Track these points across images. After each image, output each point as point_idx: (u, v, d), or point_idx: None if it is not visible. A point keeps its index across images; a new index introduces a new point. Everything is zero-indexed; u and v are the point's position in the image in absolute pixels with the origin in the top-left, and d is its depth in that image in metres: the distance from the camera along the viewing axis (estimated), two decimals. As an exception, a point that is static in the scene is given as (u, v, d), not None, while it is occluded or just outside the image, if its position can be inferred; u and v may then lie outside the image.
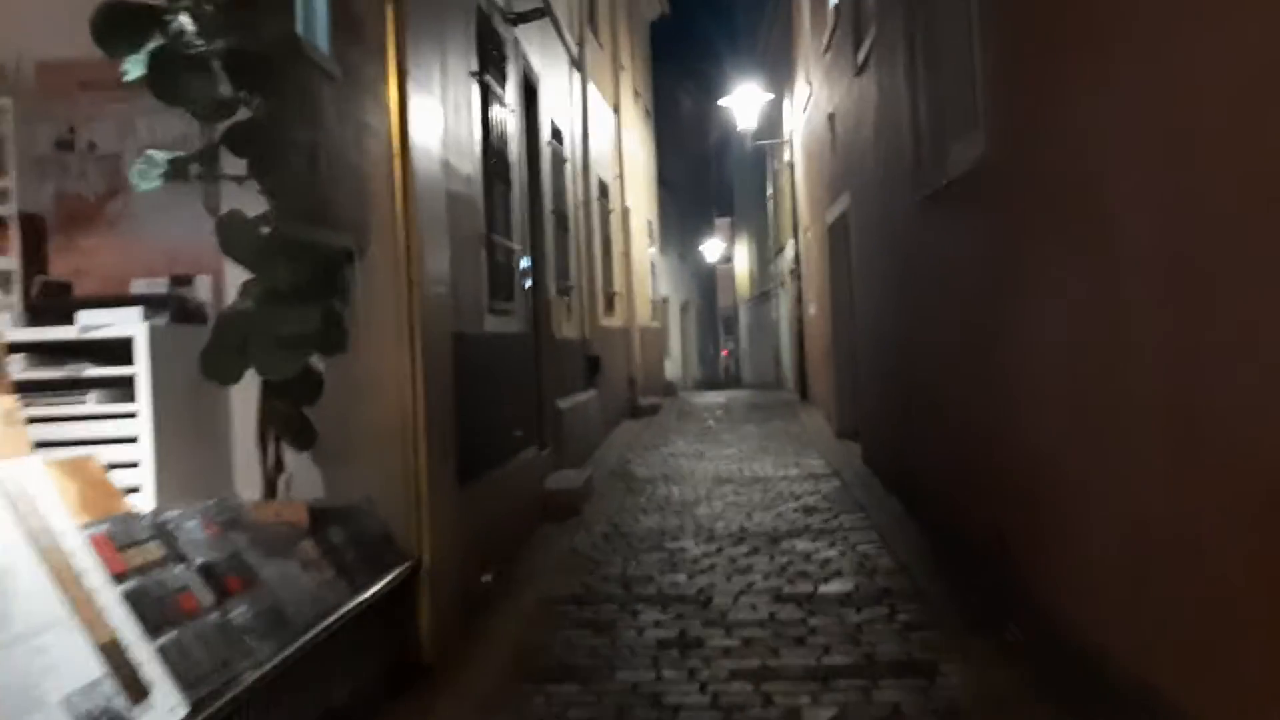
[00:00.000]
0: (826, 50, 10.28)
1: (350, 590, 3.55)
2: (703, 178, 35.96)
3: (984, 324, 4.66)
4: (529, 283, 7.40)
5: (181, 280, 4.05)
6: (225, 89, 3.38)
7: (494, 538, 5.50)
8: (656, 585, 5.29)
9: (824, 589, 5.10)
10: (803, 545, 6.01)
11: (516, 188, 7.09)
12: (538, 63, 8.22)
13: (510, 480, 6.14)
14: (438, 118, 4.72)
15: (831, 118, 9.82)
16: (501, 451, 6.08)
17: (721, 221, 36.77)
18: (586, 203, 10.78)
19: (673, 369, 28.50)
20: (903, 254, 6.51)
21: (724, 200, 36.05)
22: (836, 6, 9.41)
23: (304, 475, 4.01)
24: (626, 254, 13.81)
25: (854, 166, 8.65)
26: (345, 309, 3.72)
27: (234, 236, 3.50)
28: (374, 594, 3.65)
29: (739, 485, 8.25)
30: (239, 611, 2.84)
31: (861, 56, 7.89)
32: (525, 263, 7.31)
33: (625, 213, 13.90)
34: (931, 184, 5.48)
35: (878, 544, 5.91)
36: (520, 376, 7.01)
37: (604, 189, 12.50)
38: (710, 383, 32.31)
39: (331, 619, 3.28)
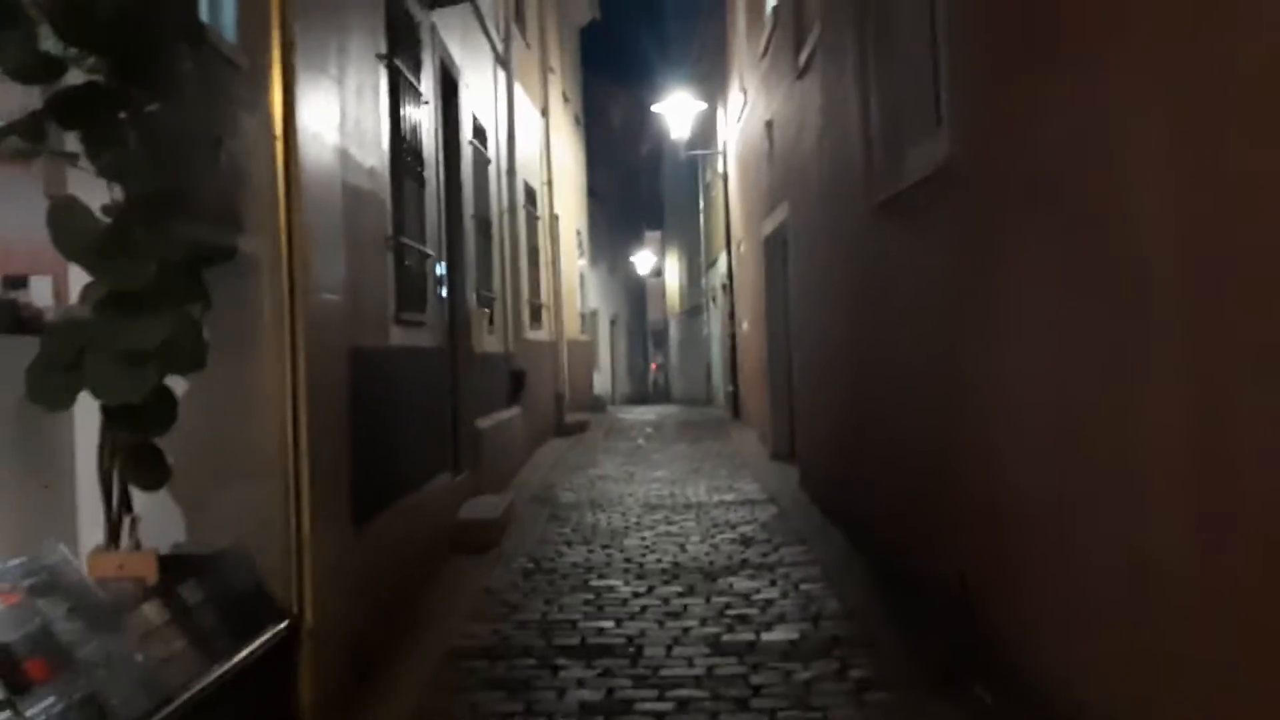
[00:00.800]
0: (764, 54, 9.85)
1: (206, 662, 2.92)
2: (633, 190, 35.53)
3: (949, 343, 4.19)
4: (445, 292, 6.79)
5: (14, 282, 3.38)
6: (53, 45, 2.74)
7: (397, 579, 4.87)
8: (580, 633, 4.71)
9: (766, 637, 4.58)
10: (741, 584, 5.49)
11: (432, 188, 6.48)
12: (459, 54, 7.62)
13: (418, 512, 5.51)
14: (333, 100, 4.11)
15: (769, 125, 9.39)
16: (408, 480, 5.46)
17: (652, 235, 36.38)
18: (512, 209, 10.19)
19: (602, 383, 27.93)
20: (852, 266, 6.06)
21: (655, 213, 35.67)
22: (775, 8, 8.98)
23: (159, 518, 3.37)
24: (554, 264, 13.23)
25: (794, 175, 8.21)
26: (205, 318, 3.09)
27: (66, 228, 2.85)
28: (236, 664, 3.02)
29: (671, 512, 7.71)
30: (40, 709, 2.20)
31: (803, 59, 7.46)
32: (441, 270, 6.70)
33: (553, 221, 13.33)
34: (886, 190, 5.02)
35: (823, 583, 5.41)
36: (433, 394, 6.39)
37: (531, 195, 11.92)
38: (639, 397, 31.84)
39: (177, 703, 2.64)
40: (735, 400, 14.87)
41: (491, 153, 9.27)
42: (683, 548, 6.43)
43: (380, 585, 4.48)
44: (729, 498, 8.24)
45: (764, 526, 6.97)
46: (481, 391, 8.20)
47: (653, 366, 38.35)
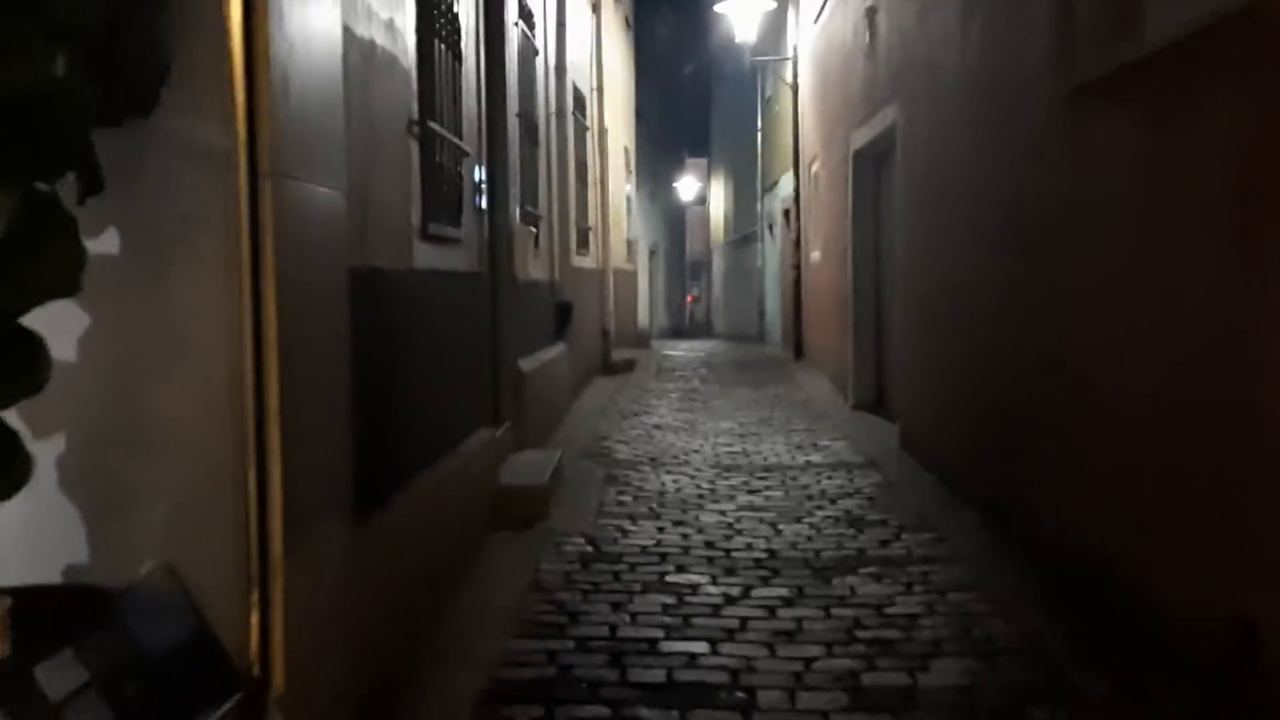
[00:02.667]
0: (863, -67, 8.29)
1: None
2: (675, 114, 33.72)
3: (1226, 305, 2.81)
4: (484, 204, 5.44)
5: None
6: None
7: (416, 584, 3.62)
8: (665, 664, 3.46)
9: (925, 680, 3.31)
10: (866, 588, 4.20)
11: (470, 67, 5.10)
12: (504, -91, 6.17)
13: (448, 485, 4.25)
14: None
15: (872, 11, 7.86)
16: (436, 443, 4.19)
17: (695, 162, 34.65)
18: (560, 113, 8.77)
19: (642, 315, 26.61)
20: (1014, 181, 4.64)
21: (698, 139, 33.89)
22: None
23: (41, 530, 2.14)
24: (602, 183, 11.83)
25: (912, 69, 6.73)
26: (78, 204, 1.79)
27: None
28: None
29: (750, 475, 6.42)
30: None
31: (934, -81, 5.94)
32: (480, 176, 5.35)
33: (602, 134, 11.89)
34: (1098, 64, 3.60)
35: (975, 592, 4.11)
36: (469, 331, 5.09)
37: (580, 101, 10.47)
38: (677, 330, 30.55)
39: None
40: (798, 339, 13.50)
41: (539, 42, 7.83)
42: (775, 528, 5.15)
43: (391, 601, 3.23)
44: (816, 458, 6.93)
45: (871, 501, 5.67)
46: (525, 326, 6.90)
47: (689, 299, 36.92)
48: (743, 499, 5.80)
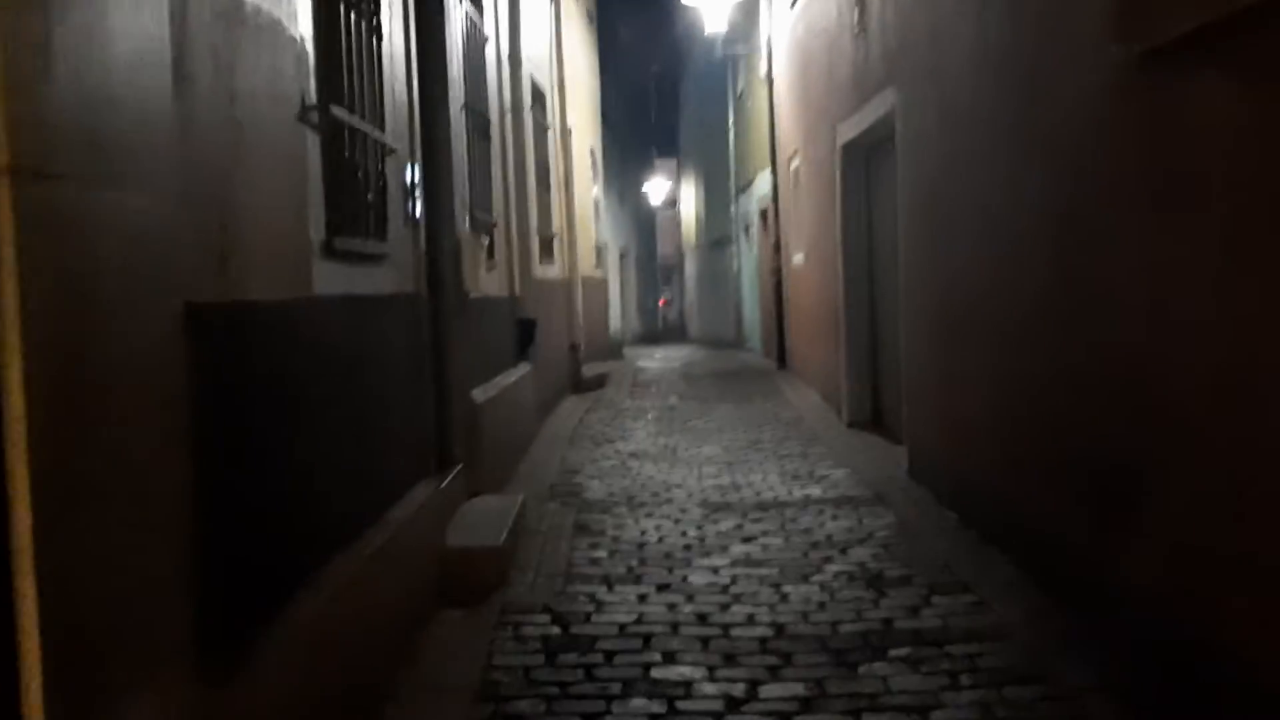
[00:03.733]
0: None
1: None
2: (642, 114, 32.89)
3: None
4: (420, 209, 4.55)
5: None
6: None
7: (329, 713, 2.73)
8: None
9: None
10: (902, 679, 3.36)
11: (397, 46, 4.22)
12: None
13: (374, 567, 3.35)
14: None
15: (863, -13, 7.04)
16: (356, 516, 3.31)
17: (664, 163, 33.82)
18: (516, 109, 7.89)
19: (612, 321, 25.73)
20: (1065, 165, 3.80)
21: (667, 139, 33.07)
22: None
23: None
24: (567, 186, 10.95)
25: (912, 48, 5.91)
26: None
27: None
28: None
29: (743, 517, 5.56)
30: None
31: None
32: (414, 176, 4.46)
33: (566, 134, 11.01)
34: (1197, 16, 2.77)
35: (1042, 684, 3.27)
36: (403, 364, 4.21)
37: (540, 98, 9.60)
38: (651, 335, 29.71)
39: None
40: (781, 347, 12.67)
41: (490, 27, 6.95)
42: (779, 591, 4.30)
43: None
44: (816, 491, 6.09)
45: (888, 549, 4.82)
46: (479, 350, 6.02)
47: (660, 302, 36.10)
48: (737, 550, 4.94)
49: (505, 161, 7.52)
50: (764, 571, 4.58)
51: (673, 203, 32.58)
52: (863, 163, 8.07)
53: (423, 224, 4.57)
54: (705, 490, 6.26)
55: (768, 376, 12.34)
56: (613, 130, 26.81)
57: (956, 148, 5.13)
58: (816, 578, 4.47)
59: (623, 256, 29.49)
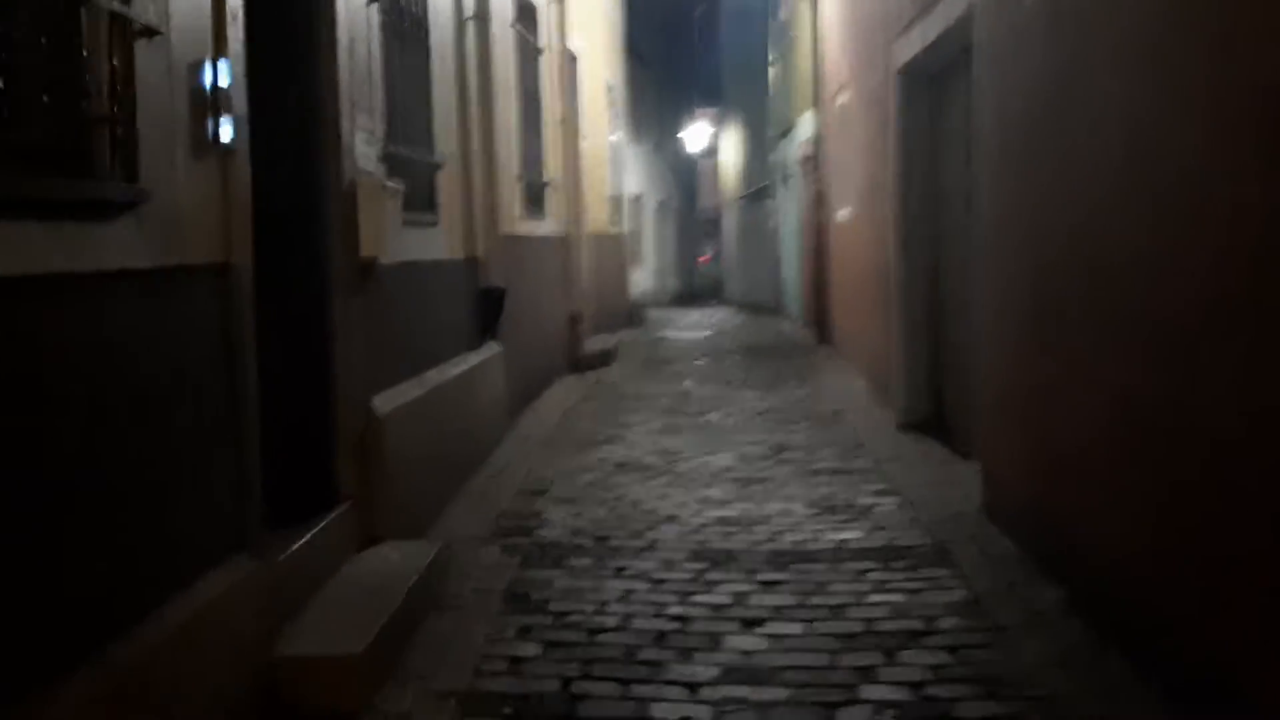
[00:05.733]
0: None
1: None
2: (685, 59, 30.92)
3: None
4: (229, 133, 2.87)
5: None
6: None
7: None
8: None
9: None
10: None
11: None
12: None
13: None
14: None
15: None
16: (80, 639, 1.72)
17: (706, 111, 31.84)
18: (483, 17, 6.19)
19: (647, 279, 24.03)
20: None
21: (710, 87, 31.07)
22: None
23: None
24: (568, 125, 9.23)
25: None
26: None
27: None
28: None
29: (749, 577, 3.93)
30: None
31: None
32: (217, 76, 2.79)
33: (567, 61, 9.27)
34: None
35: None
36: (174, 386, 2.60)
37: (528, 11, 7.88)
38: (688, 294, 28.01)
39: None
40: (821, 319, 10.94)
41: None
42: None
43: None
44: (856, 535, 4.42)
45: (958, 657, 3.16)
46: (397, 336, 4.42)
47: (701, 259, 34.32)
48: (732, 647, 3.32)
49: (465, 85, 5.86)
50: (768, 695, 2.95)
51: (712, 152, 30.64)
52: (925, 91, 6.29)
53: (245, 155, 2.93)
54: (706, 528, 4.63)
55: (805, 353, 10.62)
56: (654, 75, 24.95)
57: (1083, 47, 3.38)
58: (863, 693, 2.84)
59: (659, 210, 27.74)
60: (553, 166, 8.66)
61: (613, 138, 12.90)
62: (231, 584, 2.73)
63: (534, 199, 7.87)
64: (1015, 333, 4.14)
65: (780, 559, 4.16)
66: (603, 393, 8.26)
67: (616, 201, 13.18)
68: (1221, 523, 2.53)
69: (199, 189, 2.67)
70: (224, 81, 2.76)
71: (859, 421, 6.81)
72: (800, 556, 4.18)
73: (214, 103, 2.74)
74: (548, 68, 8.56)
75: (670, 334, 13.56)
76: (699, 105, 31.16)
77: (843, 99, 9.23)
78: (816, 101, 10.79)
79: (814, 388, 8.28)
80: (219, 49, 2.77)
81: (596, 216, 11.21)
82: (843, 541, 4.36)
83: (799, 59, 12.40)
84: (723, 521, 4.71)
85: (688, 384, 8.89)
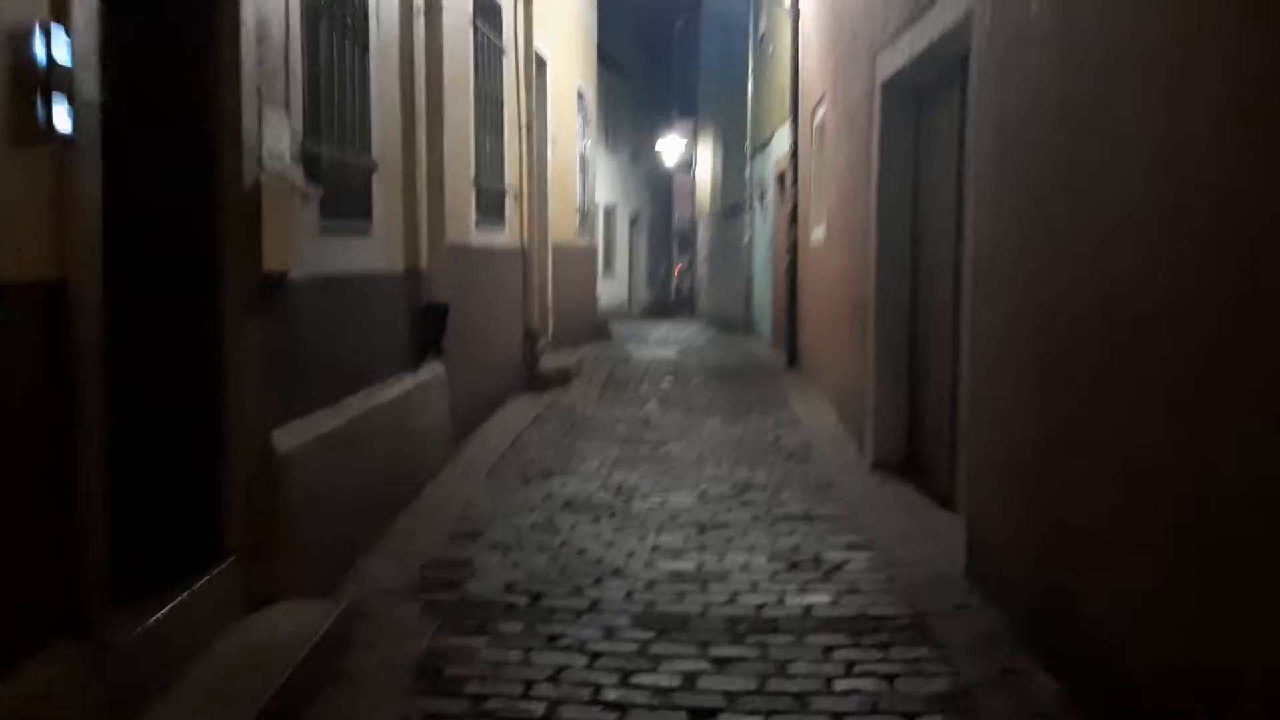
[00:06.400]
0: None
1: None
2: (664, 71, 30.54)
3: None
4: (67, 115, 2.33)
5: None
6: None
7: None
8: None
9: None
10: None
11: None
12: None
13: None
14: None
15: None
16: None
17: (683, 123, 31.43)
18: (433, 9, 5.67)
19: (617, 291, 23.56)
20: None
21: (689, 100, 30.67)
22: None
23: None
24: (531, 131, 8.72)
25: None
26: None
27: None
28: None
29: (702, 657, 3.41)
30: None
31: None
32: (54, 52, 2.26)
33: (533, 63, 8.76)
34: None
35: None
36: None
37: (490, 9, 7.37)
38: (660, 307, 27.60)
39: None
40: (793, 342, 10.49)
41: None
42: None
43: None
44: (823, 599, 3.92)
45: (946, 776, 2.67)
46: (305, 361, 3.88)
47: (676, 269, 33.91)
48: (677, 748, 2.81)
49: (412, 83, 5.33)
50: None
51: (687, 165, 30.23)
52: (912, 106, 5.84)
53: (93, 149, 2.40)
54: (656, 584, 4.11)
55: (774, 377, 10.15)
56: (627, 82, 24.50)
57: (1102, 57, 2.91)
58: None
59: (633, 222, 27.30)
60: (514, 174, 8.14)
61: (582, 147, 12.39)
62: (51, 678, 2.19)
63: (490, 208, 7.35)
64: (1016, 379, 3.66)
65: (738, 627, 3.65)
66: (557, 415, 7.74)
67: (586, 212, 12.67)
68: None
69: (19, 189, 2.14)
70: (61, 56, 2.23)
71: (829, 458, 6.33)
72: (761, 625, 3.67)
73: (46, 82, 2.21)
74: (511, 70, 8.05)
75: (637, 350, 13.05)
76: (677, 117, 30.78)
77: (821, 112, 8.78)
78: (794, 113, 10.34)
79: (781, 417, 7.80)
80: (58, 15, 2.24)
81: (562, 227, 10.69)
82: (810, 606, 3.86)
83: (777, 71, 11.97)
84: (676, 577, 4.19)
85: (651, 406, 8.38)
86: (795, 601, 3.91)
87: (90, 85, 2.36)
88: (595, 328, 13.15)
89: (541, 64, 9.22)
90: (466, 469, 5.90)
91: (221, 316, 3.23)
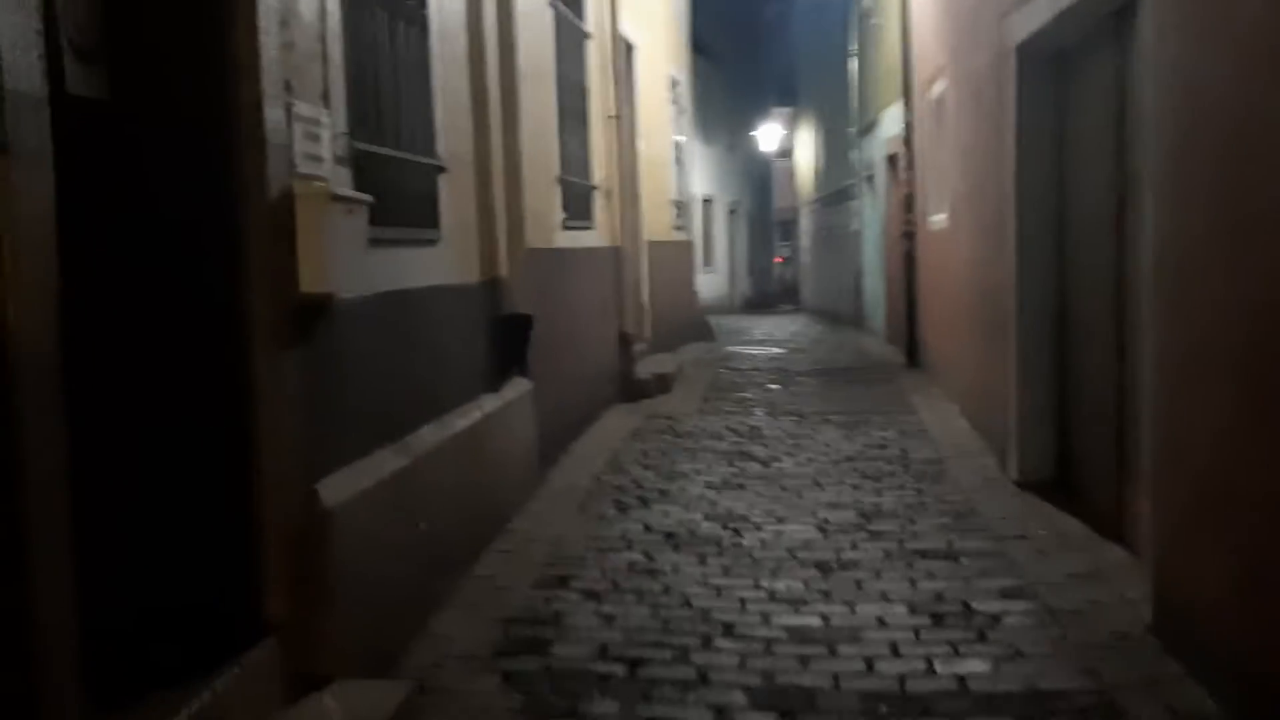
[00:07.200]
0: None
1: None
2: (757, 58, 29.69)
3: None
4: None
5: None
6: None
7: None
8: None
9: None
10: None
11: None
12: None
13: None
14: None
15: None
16: None
17: (780, 111, 30.53)
18: (504, -8, 5.12)
19: (718, 285, 22.84)
20: None
21: (784, 86, 29.77)
22: None
23: None
24: (621, 122, 8.13)
25: None
26: None
27: None
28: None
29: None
30: None
31: None
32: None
33: (619, 48, 8.16)
34: None
35: None
36: None
37: (570, -10, 6.81)
38: (762, 300, 26.79)
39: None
40: (912, 337, 9.69)
41: None
42: None
43: None
44: (982, 668, 3.22)
45: None
46: (353, 397, 3.35)
47: (777, 260, 33.02)
48: None
49: (483, 66, 4.79)
50: None
51: (785, 153, 29.32)
52: (1051, 73, 5.05)
53: (42, 157, 1.88)
54: (775, 646, 3.47)
55: (891, 377, 9.35)
56: (720, 70, 23.75)
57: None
58: None
59: (732, 212, 26.54)
60: (602, 168, 7.57)
61: (678, 137, 11.75)
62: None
63: (577, 205, 6.78)
64: (1222, 401, 2.90)
65: (879, 709, 2.99)
66: (656, 430, 7.13)
67: (682, 205, 12.03)
68: None
69: None
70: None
71: (965, 476, 5.57)
72: (908, 707, 3.01)
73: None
74: (596, 56, 7.47)
75: (739, 349, 12.36)
76: (773, 104, 29.90)
77: (938, 87, 7.97)
78: (906, 91, 9.53)
79: (905, 426, 7.04)
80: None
81: (657, 221, 10.08)
82: (964, 678, 3.17)
83: (884, 47, 11.14)
84: (797, 636, 3.55)
85: (758, 414, 7.71)
86: (946, 670, 3.23)
87: (32, 77, 1.83)
88: (695, 326, 12.51)
89: (629, 49, 8.61)
90: (556, 497, 5.35)
91: (249, 351, 2.71)
